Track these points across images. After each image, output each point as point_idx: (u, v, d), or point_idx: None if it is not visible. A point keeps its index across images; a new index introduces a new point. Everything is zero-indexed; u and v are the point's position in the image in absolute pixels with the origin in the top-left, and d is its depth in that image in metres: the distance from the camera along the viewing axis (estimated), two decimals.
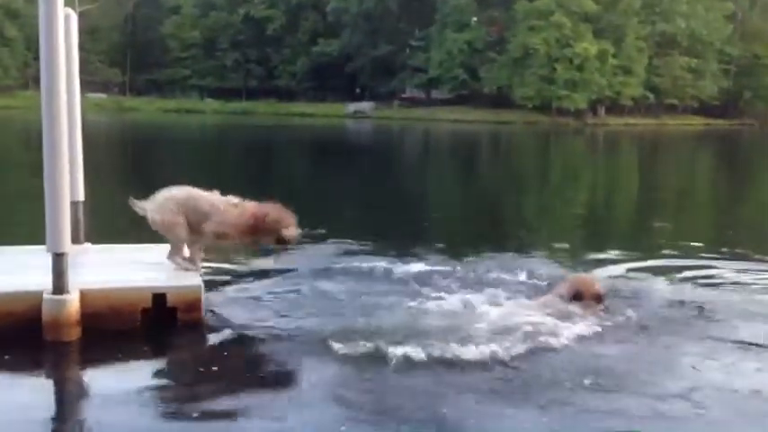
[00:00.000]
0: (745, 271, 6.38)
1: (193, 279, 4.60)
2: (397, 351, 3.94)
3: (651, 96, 61.10)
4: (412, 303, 4.95)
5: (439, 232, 9.08)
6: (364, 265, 6.01)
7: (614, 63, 58.10)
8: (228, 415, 3.36)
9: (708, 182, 19.73)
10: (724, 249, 7.54)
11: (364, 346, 4.01)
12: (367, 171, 19.45)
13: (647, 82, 60.69)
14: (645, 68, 60.01)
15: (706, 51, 62.65)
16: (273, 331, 4.40)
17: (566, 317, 4.80)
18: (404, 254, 6.54)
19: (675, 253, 7.26)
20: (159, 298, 4.35)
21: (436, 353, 3.96)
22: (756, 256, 7.16)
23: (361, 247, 7.00)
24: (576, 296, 5.08)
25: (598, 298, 5.11)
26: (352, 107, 61.99)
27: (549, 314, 4.83)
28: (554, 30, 56.74)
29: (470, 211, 11.92)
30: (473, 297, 5.14)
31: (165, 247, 4.84)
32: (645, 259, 6.87)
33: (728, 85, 64.35)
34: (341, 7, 65.96)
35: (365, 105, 62.70)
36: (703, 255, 7.18)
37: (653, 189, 16.20)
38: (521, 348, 4.13)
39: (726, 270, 6.40)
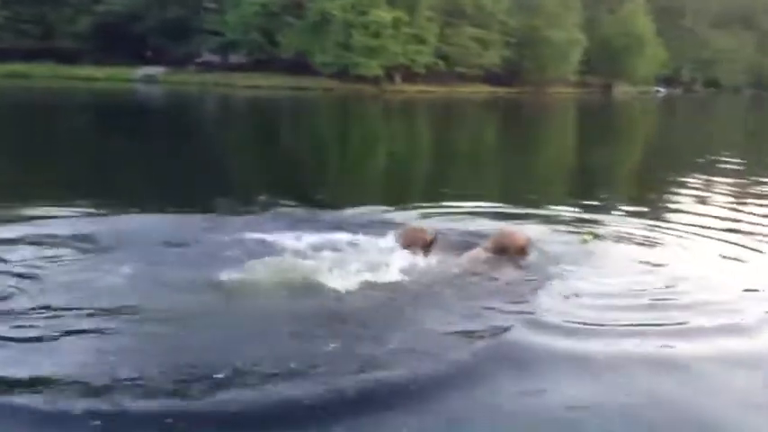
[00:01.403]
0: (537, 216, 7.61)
1: None
2: None
3: (442, 64, 63.75)
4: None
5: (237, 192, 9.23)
6: None
7: (408, 31, 59.74)
8: None
9: (492, 142, 21.20)
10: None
11: None
12: (154, 138, 18.44)
13: (438, 51, 63.12)
14: (436, 37, 62.31)
15: (490, 22, 66.30)
16: None
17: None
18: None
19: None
20: None
21: None
22: (528, 200, 8.67)
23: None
24: (502, 250, 5.30)
25: (522, 251, 5.38)
26: (141, 71, 58.48)
27: (470, 269, 5.03)
28: None
29: (270, 176, 11.85)
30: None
31: None
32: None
33: (510, 54, 68.76)
34: None
35: (156, 69, 59.40)
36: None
37: (447, 148, 17.45)
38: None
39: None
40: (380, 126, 28.08)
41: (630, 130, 30.23)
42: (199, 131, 21.63)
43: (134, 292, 4.45)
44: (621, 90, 79.63)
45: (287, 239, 5.60)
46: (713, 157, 16.26)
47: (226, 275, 4.68)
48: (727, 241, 6.86)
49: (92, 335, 3.83)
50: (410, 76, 62.51)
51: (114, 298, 4.31)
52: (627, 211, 8.49)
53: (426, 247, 5.40)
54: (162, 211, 7.27)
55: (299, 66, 59.51)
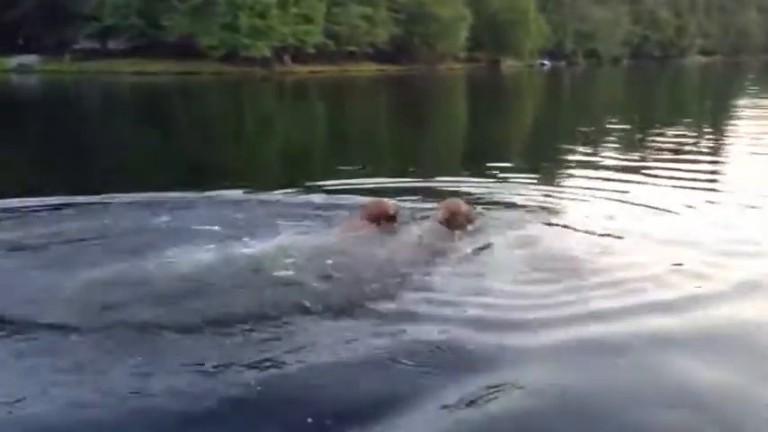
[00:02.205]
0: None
1: None
2: None
3: (332, 44, 63.42)
4: None
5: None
6: None
7: (295, 11, 59.03)
8: None
9: (386, 119, 21.37)
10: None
11: None
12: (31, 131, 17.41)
13: (327, 30, 62.70)
14: (324, 17, 61.87)
15: (378, 0, 66.38)
16: None
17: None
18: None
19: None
20: None
21: None
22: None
23: None
24: (450, 219, 5.35)
25: (470, 219, 5.46)
26: (15, 60, 55.15)
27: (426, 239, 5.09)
28: None
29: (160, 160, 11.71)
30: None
31: None
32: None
33: (399, 32, 69.18)
34: None
35: (31, 58, 56.17)
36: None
37: (342, 126, 17.50)
38: None
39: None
40: (274, 108, 27.67)
41: (521, 102, 31.20)
42: (83, 122, 20.56)
43: None
44: (509, 64, 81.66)
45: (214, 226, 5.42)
46: (602, 124, 17.00)
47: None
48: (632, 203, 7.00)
49: None
50: (301, 56, 61.87)
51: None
52: (525, 179, 8.62)
53: (390, 220, 5.39)
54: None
55: (186, 49, 57.65)
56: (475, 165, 10.06)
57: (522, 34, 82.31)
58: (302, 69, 59.79)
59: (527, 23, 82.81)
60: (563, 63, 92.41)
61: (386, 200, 5.71)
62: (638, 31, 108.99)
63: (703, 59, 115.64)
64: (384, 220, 5.36)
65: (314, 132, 17.62)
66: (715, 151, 12.38)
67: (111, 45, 61.17)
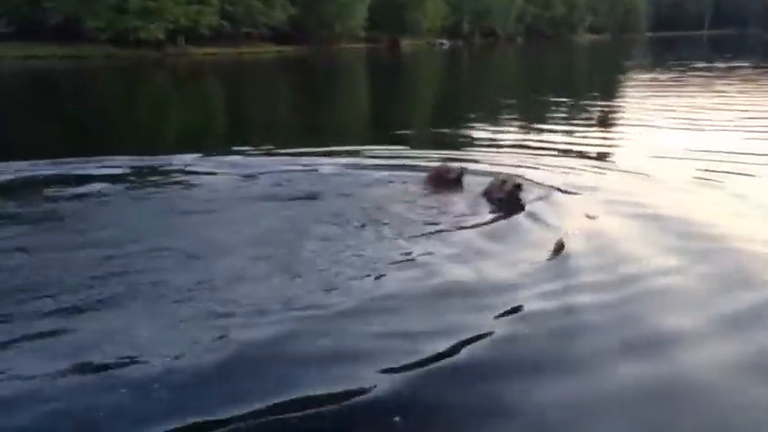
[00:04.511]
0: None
1: None
2: None
3: (227, 25, 61.88)
4: None
5: None
6: None
7: None
8: None
9: (288, 99, 21.11)
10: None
11: None
12: None
13: (222, 11, 61.10)
14: None
15: None
16: None
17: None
18: None
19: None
20: None
21: None
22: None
23: None
24: (436, 179, 6.39)
25: (452, 182, 6.30)
26: None
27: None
28: None
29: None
30: None
31: None
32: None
33: (296, 12, 68.24)
34: None
35: None
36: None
37: (241, 108, 17.12)
38: None
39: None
40: (167, 92, 26.63)
41: (422, 80, 31.33)
42: None
43: None
44: (408, 43, 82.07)
45: None
46: (502, 99, 17.36)
47: None
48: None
49: None
50: (195, 38, 60.03)
51: None
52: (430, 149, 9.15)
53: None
54: None
55: (72, 32, 54.82)
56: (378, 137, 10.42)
57: (419, 14, 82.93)
58: (196, 51, 58.13)
59: (424, 3, 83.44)
60: (461, 42, 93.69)
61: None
62: (530, 9, 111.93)
63: (593, 37, 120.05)
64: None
65: (207, 115, 17.14)
66: (604, 120, 13.20)
67: None
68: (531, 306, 3.78)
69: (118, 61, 48.20)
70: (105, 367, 3.11)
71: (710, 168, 7.49)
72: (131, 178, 7.36)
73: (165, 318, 3.60)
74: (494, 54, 62.59)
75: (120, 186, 6.90)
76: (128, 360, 3.16)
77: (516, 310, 3.72)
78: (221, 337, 3.36)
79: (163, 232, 5.19)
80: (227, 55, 57.56)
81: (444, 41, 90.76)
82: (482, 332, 3.42)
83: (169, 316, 3.62)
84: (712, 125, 11.42)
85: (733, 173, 7.28)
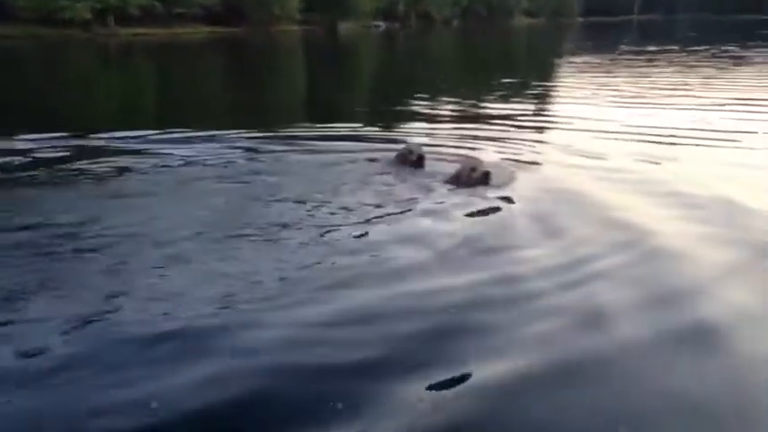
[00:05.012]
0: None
1: None
2: None
3: (159, 5, 60.17)
4: None
5: None
6: None
7: None
8: None
9: (221, 81, 20.76)
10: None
11: None
12: None
13: None
14: None
15: None
16: None
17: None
18: None
19: None
20: None
21: None
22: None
23: None
24: (400, 160, 6.63)
25: (414, 163, 6.50)
26: None
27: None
28: None
29: None
30: None
31: None
32: None
33: None
34: None
35: None
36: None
37: (173, 91, 16.67)
38: None
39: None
40: (94, 72, 25.73)
41: (358, 61, 31.18)
42: None
43: None
44: (345, 26, 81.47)
45: None
46: (440, 84, 17.45)
47: None
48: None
49: None
50: (125, 18, 58.13)
51: None
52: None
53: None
54: None
55: None
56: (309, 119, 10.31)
57: None
58: (127, 32, 56.28)
59: None
60: (397, 25, 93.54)
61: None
62: None
63: (529, 20, 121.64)
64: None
65: (141, 96, 16.66)
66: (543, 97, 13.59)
67: None
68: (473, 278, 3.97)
69: (44, 41, 46.35)
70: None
71: (644, 141, 8.11)
72: (63, 160, 7.05)
73: (90, 306, 3.50)
74: (430, 37, 62.69)
75: (49, 169, 6.59)
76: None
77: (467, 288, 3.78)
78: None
79: (95, 218, 4.96)
80: (158, 36, 55.99)
81: (380, 24, 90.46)
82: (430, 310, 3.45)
83: (89, 305, 3.53)
84: (648, 103, 12.02)
85: (664, 144, 7.96)
